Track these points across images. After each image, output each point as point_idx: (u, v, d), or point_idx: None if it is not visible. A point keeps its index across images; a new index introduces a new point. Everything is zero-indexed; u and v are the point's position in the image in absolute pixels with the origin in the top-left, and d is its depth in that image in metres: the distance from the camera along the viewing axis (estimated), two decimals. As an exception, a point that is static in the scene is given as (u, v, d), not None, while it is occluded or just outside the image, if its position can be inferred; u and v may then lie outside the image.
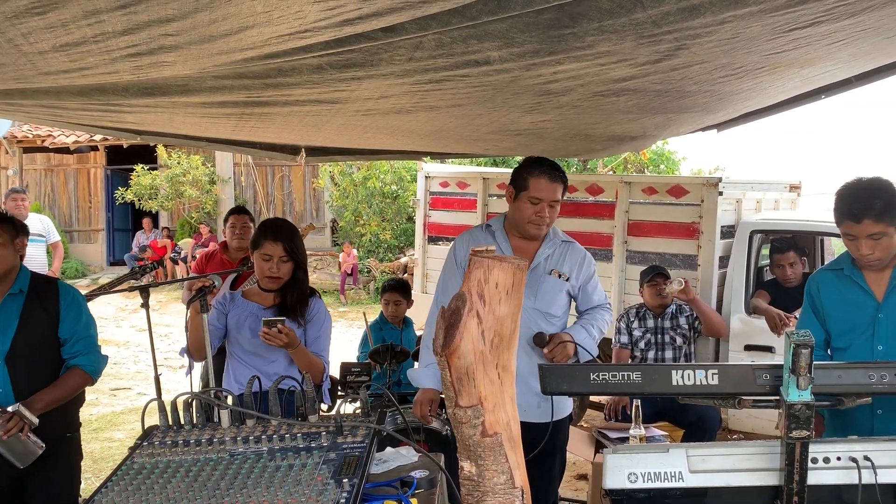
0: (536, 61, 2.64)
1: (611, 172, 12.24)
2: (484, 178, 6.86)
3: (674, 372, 1.92)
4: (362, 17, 2.03)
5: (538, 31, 2.30)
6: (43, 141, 15.95)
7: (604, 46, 2.45)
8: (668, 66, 2.76)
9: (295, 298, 3.11)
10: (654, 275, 4.91)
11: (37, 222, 7.22)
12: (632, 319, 5.00)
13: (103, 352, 3.09)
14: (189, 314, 3.03)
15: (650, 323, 4.92)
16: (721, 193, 5.38)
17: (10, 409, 2.72)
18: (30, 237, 7.35)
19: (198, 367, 4.13)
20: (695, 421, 4.54)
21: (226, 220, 5.23)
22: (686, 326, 4.91)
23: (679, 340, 4.89)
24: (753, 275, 5.47)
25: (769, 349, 5.00)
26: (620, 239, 5.85)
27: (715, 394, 1.91)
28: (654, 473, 1.98)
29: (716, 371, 1.90)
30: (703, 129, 5.05)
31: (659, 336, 4.91)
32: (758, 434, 5.07)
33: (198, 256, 5.79)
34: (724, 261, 5.54)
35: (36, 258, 6.99)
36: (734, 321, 5.32)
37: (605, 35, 2.33)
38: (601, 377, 1.93)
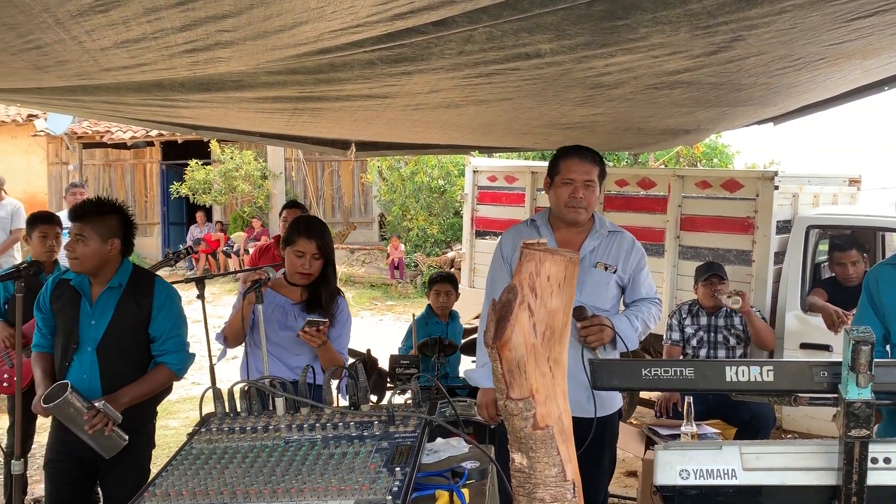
0: (588, 54, 2.62)
1: (662, 166, 12.06)
2: (532, 172, 6.83)
3: (727, 368, 1.88)
4: (414, 12, 2.05)
5: (590, 23, 2.28)
6: (102, 137, 16.42)
7: (657, 38, 2.42)
8: (723, 58, 2.71)
9: (327, 296, 3.18)
10: (710, 275, 4.81)
11: None
12: (684, 316, 4.91)
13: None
14: (243, 304, 3.09)
15: (703, 321, 4.83)
16: (777, 187, 5.26)
17: (96, 404, 2.78)
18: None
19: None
20: (748, 419, 4.46)
21: (280, 214, 5.32)
22: (740, 328, 4.80)
23: (732, 341, 4.78)
24: (810, 271, 5.34)
25: (826, 348, 4.88)
26: (673, 234, 5.77)
27: (770, 391, 1.87)
28: (706, 471, 1.95)
29: (771, 368, 1.86)
30: (759, 123, 4.94)
31: (712, 335, 4.82)
32: (813, 434, 4.96)
33: (251, 250, 5.92)
34: (779, 256, 5.42)
35: None
36: (789, 318, 5.20)
37: (659, 26, 2.30)
38: (653, 372, 1.90)
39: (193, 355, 3.17)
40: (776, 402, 1.99)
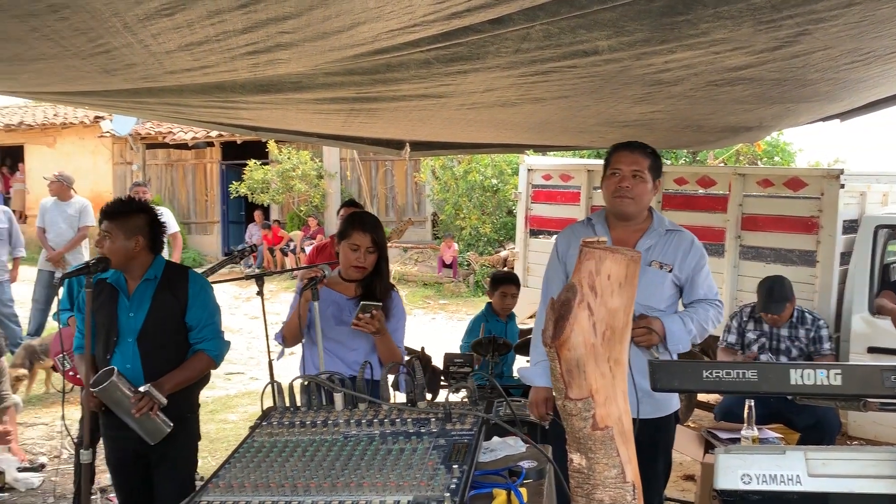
0: (647, 50, 2.58)
1: (722, 164, 11.80)
2: (588, 171, 6.76)
3: (792, 371, 1.83)
4: (470, 10, 2.04)
5: (650, 19, 2.25)
6: (164, 137, 16.89)
7: (719, 33, 2.37)
8: (788, 54, 2.64)
9: (381, 290, 3.18)
10: (767, 304, 4.55)
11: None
12: (745, 319, 4.72)
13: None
14: (300, 302, 3.13)
15: (766, 327, 4.63)
16: (843, 186, 5.10)
17: (141, 389, 2.91)
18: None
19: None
20: (812, 424, 4.33)
21: (338, 213, 5.39)
22: (805, 340, 4.56)
23: (795, 352, 4.54)
24: (878, 273, 5.16)
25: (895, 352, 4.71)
26: (733, 233, 5.64)
27: (837, 395, 1.81)
28: (769, 476, 1.90)
29: (839, 371, 1.80)
30: (825, 119, 4.79)
31: (774, 342, 4.62)
32: (880, 441, 4.79)
33: (307, 249, 6.03)
34: (845, 257, 5.26)
35: None
36: (856, 321, 5.03)
37: (721, 21, 2.26)
38: (714, 374, 1.86)
39: (229, 343, 3.28)
40: (843, 407, 1.92)
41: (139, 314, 3.05)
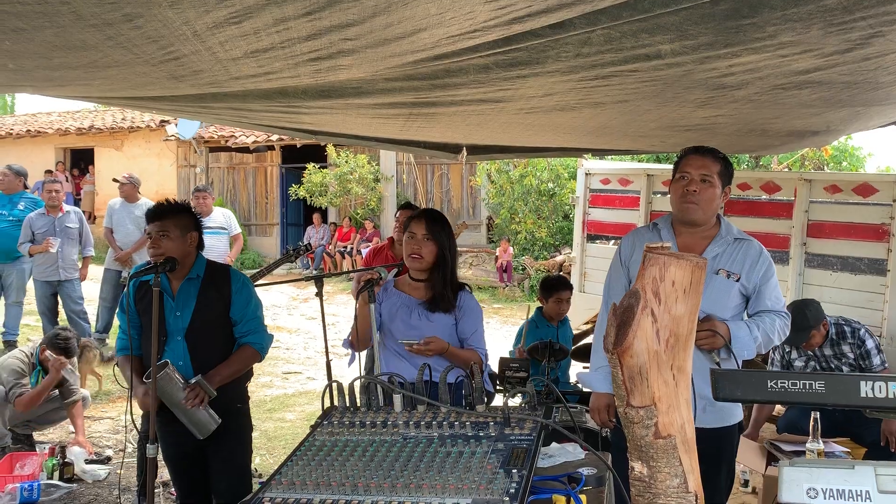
0: (711, 54, 2.54)
1: (786, 169, 11.48)
2: (648, 175, 6.67)
3: (863, 383, 1.78)
4: (531, 15, 2.05)
5: (714, 23, 2.22)
6: (226, 141, 17.32)
7: (787, 36, 2.32)
8: (859, 56, 2.56)
9: (442, 282, 3.15)
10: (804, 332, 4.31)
11: (220, 216, 7.87)
12: (787, 349, 4.51)
13: (277, 337, 3.35)
14: (357, 305, 3.17)
15: (810, 350, 4.44)
16: (916, 192, 4.91)
17: (192, 381, 3.02)
18: (212, 230, 7.96)
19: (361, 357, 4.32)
20: (879, 440, 4.17)
21: (395, 216, 5.43)
22: (852, 355, 4.35)
23: (846, 370, 4.34)
24: (952, 282, 4.95)
25: (970, 366, 4.51)
26: (799, 240, 5.49)
27: (910, 409, 1.75)
28: (836, 490, 1.84)
29: (912, 384, 1.74)
30: (897, 123, 4.63)
31: (823, 364, 4.45)
32: (954, 458, 4.59)
33: (364, 251, 6.11)
34: (918, 266, 5.05)
35: (217, 248, 7.63)
36: (928, 333, 4.84)
37: (789, 24, 2.20)
38: (779, 384, 1.81)
39: (272, 336, 3.38)
40: (916, 421, 1.85)
41: (185, 312, 3.15)
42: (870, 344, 4.35)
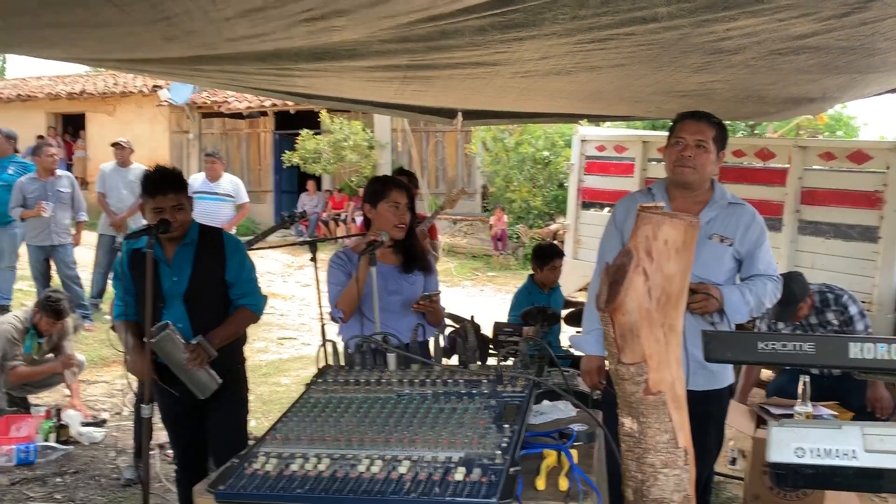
0: (708, 17, 2.52)
1: (782, 138, 11.46)
2: (644, 142, 6.65)
3: (852, 344, 1.80)
4: (529, -25, 2.03)
5: (713, -16, 2.20)
6: (219, 107, 17.15)
7: (784, -1, 2.30)
8: (857, 20, 2.54)
9: (418, 249, 3.32)
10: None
11: (227, 183, 7.85)
12: (773, 320, 4.54)
13: (272, 304, 3.37)
14: (359, 267, 3.15)
15: (797, 321, 4.46)
16: (910, 159, 4.92)
17: (193, 341, 3.05)
18: (219, 195, 7.96)
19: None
20: (869, 409, 4.24)
21: None
22: (836, 322, 4.38)
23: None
24: (944, 250, 4.98)
25: (959, 332, 4.56)
26: (792, 207, 5.50)
27: (898, 370, 1.78)
28: (824, 450, 1.87)
29: (901, 345, 1.76)
30: (893, 91, 4.61)
31: (809, 332, 4.48)
32: (940, 423, 4.66)
33: (358, 219, 6.10)
34: (909, 234, 5.08)
35: (221, 214, 7.62)
36: (919, 300, 4.88)
37: (788, -15, 2.19)
38: (770, 346, 1.83)
39: (266, 297, 3.42)
40: (903, 383, 1.88)
41: (182, 278, 3.16)
42: (853, 310, 4.37)
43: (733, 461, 4.44)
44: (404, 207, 3.19)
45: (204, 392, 3.10)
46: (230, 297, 3.27)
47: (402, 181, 3.33)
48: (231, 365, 3.28)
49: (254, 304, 3.29)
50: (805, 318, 4.44)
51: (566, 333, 5.53)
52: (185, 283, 3.16)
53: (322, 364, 2.28)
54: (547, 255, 5.20)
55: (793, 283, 4.31)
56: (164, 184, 3.09)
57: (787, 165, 5.56)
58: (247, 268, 3.30)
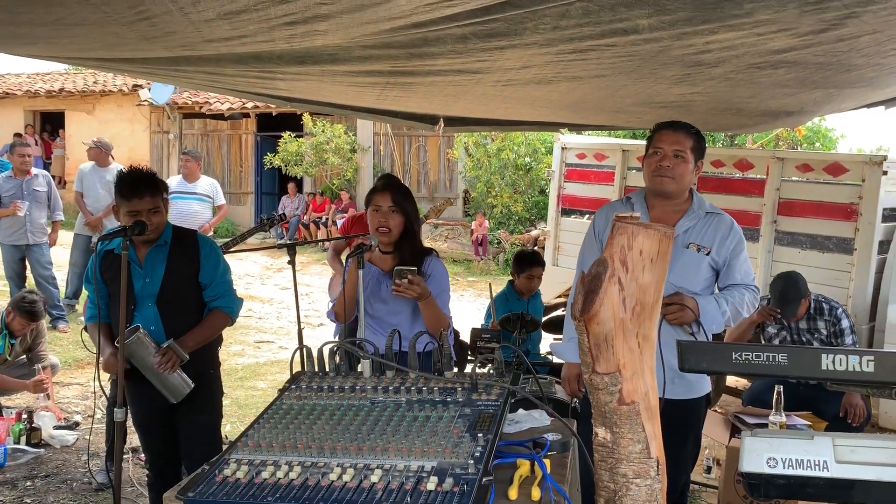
0: (688, 30, 2.54)
1: (761, 148, 11.60)
2: (623, 150, 6.70)
3: (824, 356, 1.81)
4: (510, -16, 2.03)
5: (692, -3, 2.22)
6: (200, 107, 17.05)
7: (763, 14, 2.33)
8: (833, 37, 2.58)
9: (410, 251, 3.15)
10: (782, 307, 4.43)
11: (207, 185, 7.79)
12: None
13: (250, 307, 3.34)
14: (347, 270, 3.12)
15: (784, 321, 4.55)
16: (885, 173, 5.00)
17: (164, 345, 3.02)
18: (199, 196, 7.91)
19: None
20: (841, 414, 4.28)
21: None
22: (825, 332, 4.47)
23: (816, 345, 4.47)
24: (917, 263, 5.06)
25: (931, 344, 4.63)
26: (769, 218, 5.57)
27: (869, 382, 1.79)
28: (796, 460, 1.88)
29: (872, 358, 1.78)
30: (869, 106, 4.67)
31: (795, 336, 4.55)
32: (911, 433, 4.73)
33: (339, 222, 6.08)
34: (884, 246, 5.16)
35: (201, 216, 7.56)
36: (892, 311, 4.96)
37: (766, 2, 2.21)
38: (744, 357, 1.84)
39: (241, 300, 3.38)
40: (874, 394, 1.90)
41: (155, 279, 3.13)
42: (845, 323, 4.45)
43: (709, 470, 4.47)
44: (386, 210, 3.12)
45: (175, 396, 3.07)
46: (204, 299, 3.24)
47: (388, 182, 3.24)
48: (204, 369, 3.25)
49: (228, 307, 3.26)
50: (797, 321, 4.50)
51: (546, 340, 5.55)
52: (157, 285, 3.13)
53: (297, 369, 2.27)
54: (526, 263, 5.15)
55: (794, 281, 4.39)
56: (139, 186, 3.05)
57: (766, 176, 5.62)
58: (221, 269, 3.27)
